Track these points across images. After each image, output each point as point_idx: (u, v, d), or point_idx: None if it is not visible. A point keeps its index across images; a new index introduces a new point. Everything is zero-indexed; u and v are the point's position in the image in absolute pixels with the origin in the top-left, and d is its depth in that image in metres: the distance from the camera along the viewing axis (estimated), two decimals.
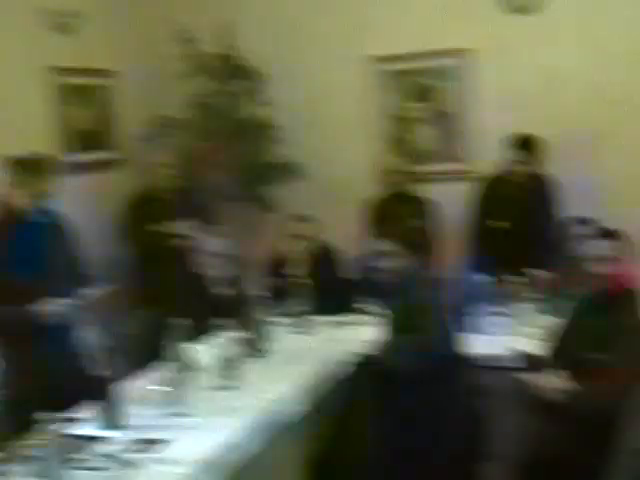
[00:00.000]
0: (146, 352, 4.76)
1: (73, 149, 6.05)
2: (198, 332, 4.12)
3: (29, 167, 4.13)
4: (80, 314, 4.25)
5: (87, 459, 3.09)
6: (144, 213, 5.81)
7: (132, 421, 3.41)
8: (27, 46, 5.61)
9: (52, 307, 4.05)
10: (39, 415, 2.71)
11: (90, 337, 4.37)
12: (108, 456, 3.11)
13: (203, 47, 6.43)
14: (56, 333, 4.13)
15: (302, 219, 5.62)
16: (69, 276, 4.30)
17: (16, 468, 2.96)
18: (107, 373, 3.48)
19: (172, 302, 4.53)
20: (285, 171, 6.50)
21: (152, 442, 3.24)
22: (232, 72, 6.53)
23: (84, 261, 4.46)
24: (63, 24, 5.90)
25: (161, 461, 3.08)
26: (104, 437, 3.31)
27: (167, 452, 3.17)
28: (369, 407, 4.05)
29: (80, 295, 4.16)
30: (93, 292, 4.22)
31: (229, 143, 6.48)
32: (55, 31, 5.87)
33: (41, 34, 5.76)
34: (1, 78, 5.34)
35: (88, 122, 6.27)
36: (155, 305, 4.93)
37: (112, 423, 3.40)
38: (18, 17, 5.57)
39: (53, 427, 2.73)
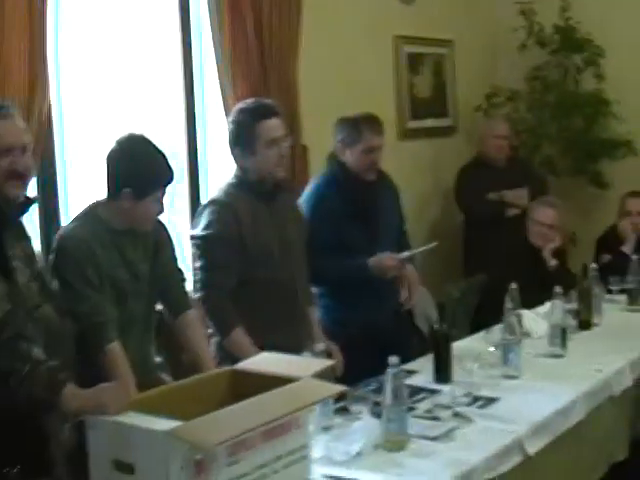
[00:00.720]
0: (475, 314, 4.92)
1: (413, 115, 6.26)
2: (528, 300, 4.15)
3: (358, 126, 4.24)
4: (408, 271, 4.36)
5: (420, 408, 3.26)
6: (477, 180, 5.93)
7: (462, 377, 3.52)
8: (377, 16, 5.87)
9: (383, 262, 4.16)
10: (390, 360, 2.87)
11: (420, 295, 4.51)
12: (440, 407, 3.25)
13: (540, 18, 6.43)
14: (384, 289, 4.27)
15: (635, 196, 5.52)
16: (399, 234, 4.46)
17: (359, 407, 3.18)
18: (441, 329, 3.63)
19: (504, 268, 4.62)
20: (619, 148, 6.37)
21: (481, 399, 3.35)
22: (569, 45, 6.46)
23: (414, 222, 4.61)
24: None
25: (491, 417, 3.18)
26: (435, 390, 3.47)
27: (496, 410, 3.26)
28: None
29: (408, 253, 4.26)
30: (421, 251, 4.32)
31: (563, 116, 6.44)
32: (400, 1, 6.09)
33: (389, 4, 6.00)
34: (354, 45, 5.64)
35: (426, 90, 6.44)
36: (486, 270, 5.07)
37: (443, 377, 3.55)
38: None
39: (396, 374, 2.88)
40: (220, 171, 4.78)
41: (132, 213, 3.20)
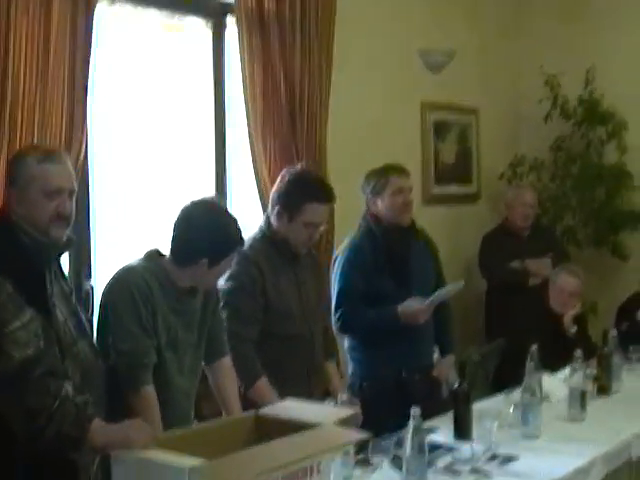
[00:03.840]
0: (495, 379, 4.95)
1: (437, 181, 6.37)
2: (548, 365, 4.18)
3: (383, 173, 4.41)
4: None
5: (439, 463, 3.29)
6: (500, 248, 6.00)
7: (481, 436, 3.54)
8: (405, 83, 6.00)
9: (410, 306, 4.20)
10: (412, 411, 2.91)
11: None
12: (459, 462, 3.28)
13: (565, 90, 6.52)
14: (415, 344, 4.34)
15: None
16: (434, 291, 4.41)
17: (380, 459, 3.21)
18: (462, 387, 3.66)
19: (524, 334, 4.65)
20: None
21: (500, 456, 3.36)
22: (593, 117, 6.55)
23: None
24: (435, 62, 6.21)
25: (510, 474, 3.21)
26: (454, 447, 3.48)
27: (515, 467, 3.29)
28: None
29: (434, 296, 4.25)
30: (447, 291, 4.37)
31: (585, 187, 6.50)
32: (428, 69, 6.21)
33: (417, 72, 6.14)
34: (382, 111, 5.76)
35: (451, 156, 6.54)
36: (507, 335, 5.12)
37: (463, 435, 3.57)
38: (403, 58, 5.99)
39: (417, 426, 2.92)
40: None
41: (204, 278, 3.27)
